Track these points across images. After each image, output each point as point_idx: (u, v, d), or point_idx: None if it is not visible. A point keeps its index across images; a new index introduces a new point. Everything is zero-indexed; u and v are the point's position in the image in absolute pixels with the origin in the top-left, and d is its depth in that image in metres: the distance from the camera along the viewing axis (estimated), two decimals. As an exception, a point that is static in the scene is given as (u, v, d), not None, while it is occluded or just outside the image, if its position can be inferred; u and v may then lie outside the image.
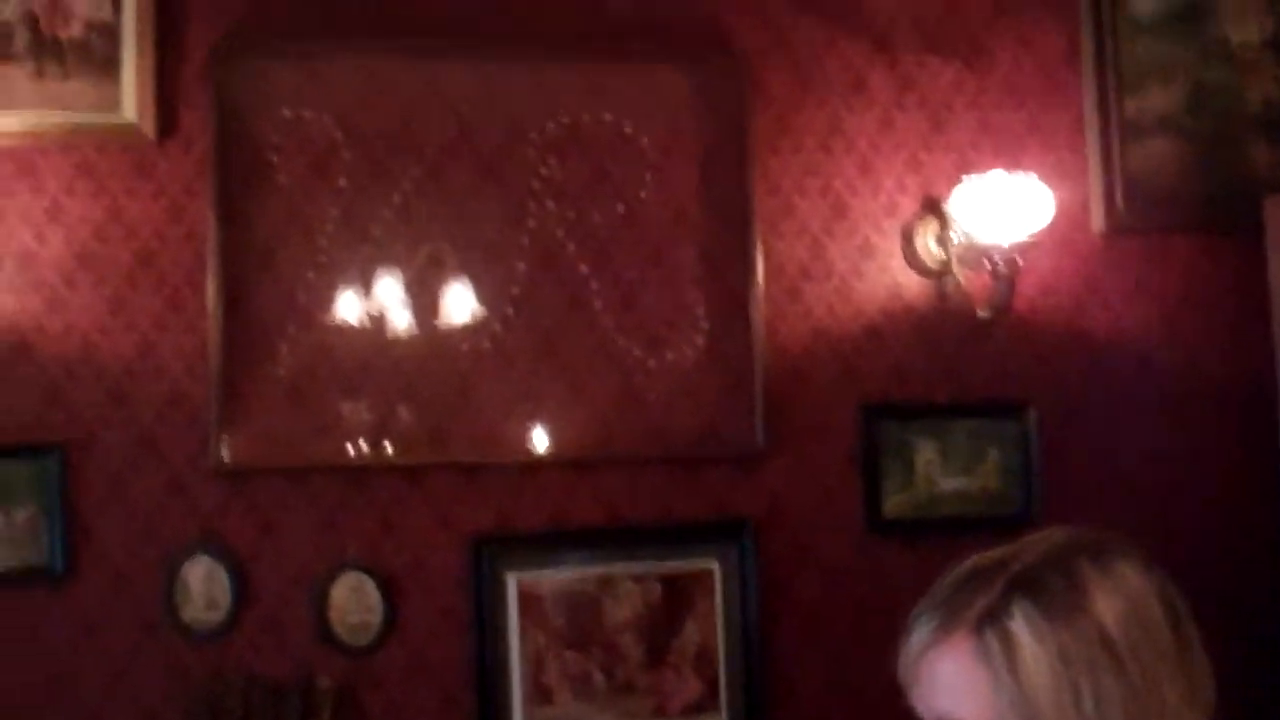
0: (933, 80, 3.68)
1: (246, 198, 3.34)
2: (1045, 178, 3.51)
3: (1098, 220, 3.73)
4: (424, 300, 3.38)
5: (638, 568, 3.36)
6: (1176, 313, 3.76)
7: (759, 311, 3.51)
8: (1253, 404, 3.51)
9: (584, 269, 3.50)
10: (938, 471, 3.52)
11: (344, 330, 3.36)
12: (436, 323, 3.39)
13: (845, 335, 3.58)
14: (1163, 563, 3.33)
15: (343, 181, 3.40)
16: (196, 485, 3.28)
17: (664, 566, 3.37)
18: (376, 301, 3.36)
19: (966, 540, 3.46)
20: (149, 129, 3.28)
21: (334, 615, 3.29)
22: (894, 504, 3.52)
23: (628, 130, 3.53)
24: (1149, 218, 3.70)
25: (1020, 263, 3.48)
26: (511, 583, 3.34)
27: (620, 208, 3.52)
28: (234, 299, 3.32)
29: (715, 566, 3.41)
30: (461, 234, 3.43)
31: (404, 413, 3.38)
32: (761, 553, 3.46)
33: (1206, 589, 3.58)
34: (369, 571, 3.32)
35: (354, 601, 3.29)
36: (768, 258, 3.55)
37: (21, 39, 3.20)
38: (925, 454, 3.52)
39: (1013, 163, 3.58)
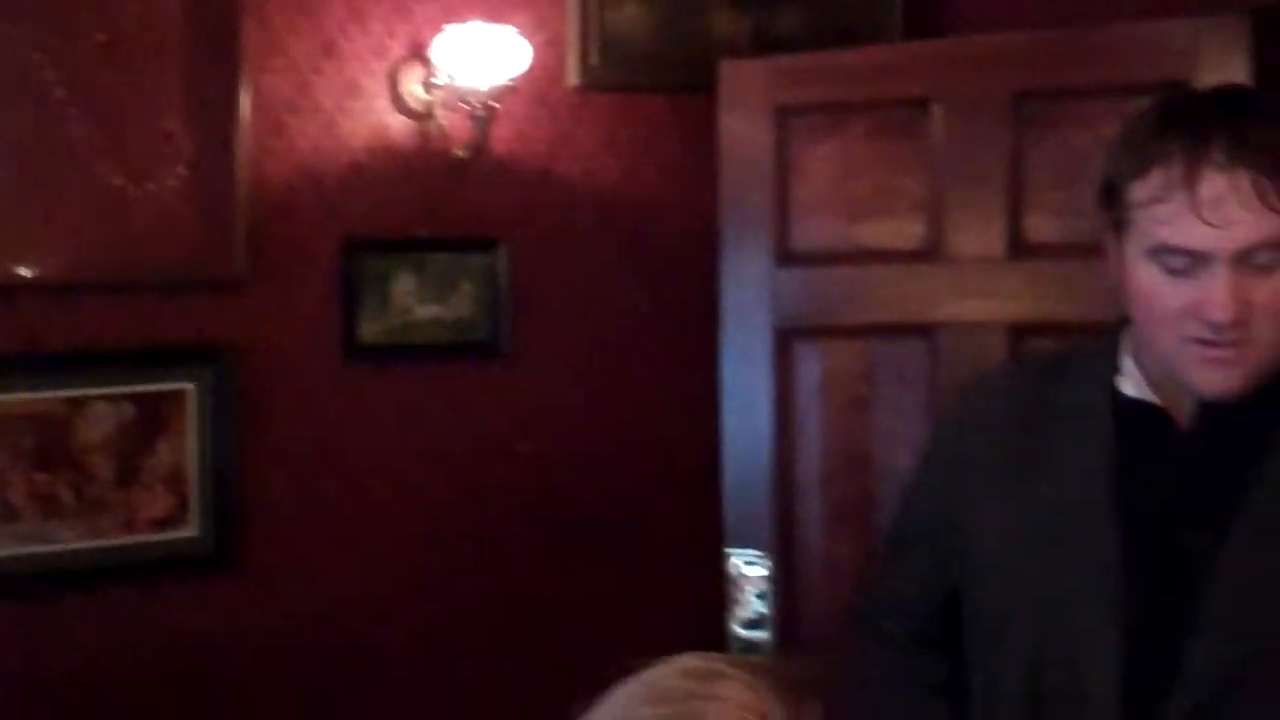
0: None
1: None
2: (525, 32, 3.68)
3: (573, 75, 3.90)
4: None
5: (111, 390, 3.36)
6: (639, 166, 4.00)
7: (244, 145, 3.47)
8: (699, 249, 3.71)
9: (61, 94, 3.32)
10: (414, 301, 3.67)
11: None
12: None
13: (330, 171, 3.63)
14: (607, 381, 3.86)
15: None
16: None
17: (137, 389, 3.39)
18: None
19: (437, 364, 3.77)
20: None
21: None
22: (370, 332, 3.65)
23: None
24: (620, 76, 3.91)
25: (497, 108, 3.64)
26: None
27: (101, 36, 3.35)
28: None
29: (190, 388, 3.46)
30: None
31: None
32: (239, 378, 3.51)
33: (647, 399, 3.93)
34: None
35: None
36: (255, 92, 3.50)
37: None
38: (403, 285, 3.66)
39: (495, 15, 3.69)
